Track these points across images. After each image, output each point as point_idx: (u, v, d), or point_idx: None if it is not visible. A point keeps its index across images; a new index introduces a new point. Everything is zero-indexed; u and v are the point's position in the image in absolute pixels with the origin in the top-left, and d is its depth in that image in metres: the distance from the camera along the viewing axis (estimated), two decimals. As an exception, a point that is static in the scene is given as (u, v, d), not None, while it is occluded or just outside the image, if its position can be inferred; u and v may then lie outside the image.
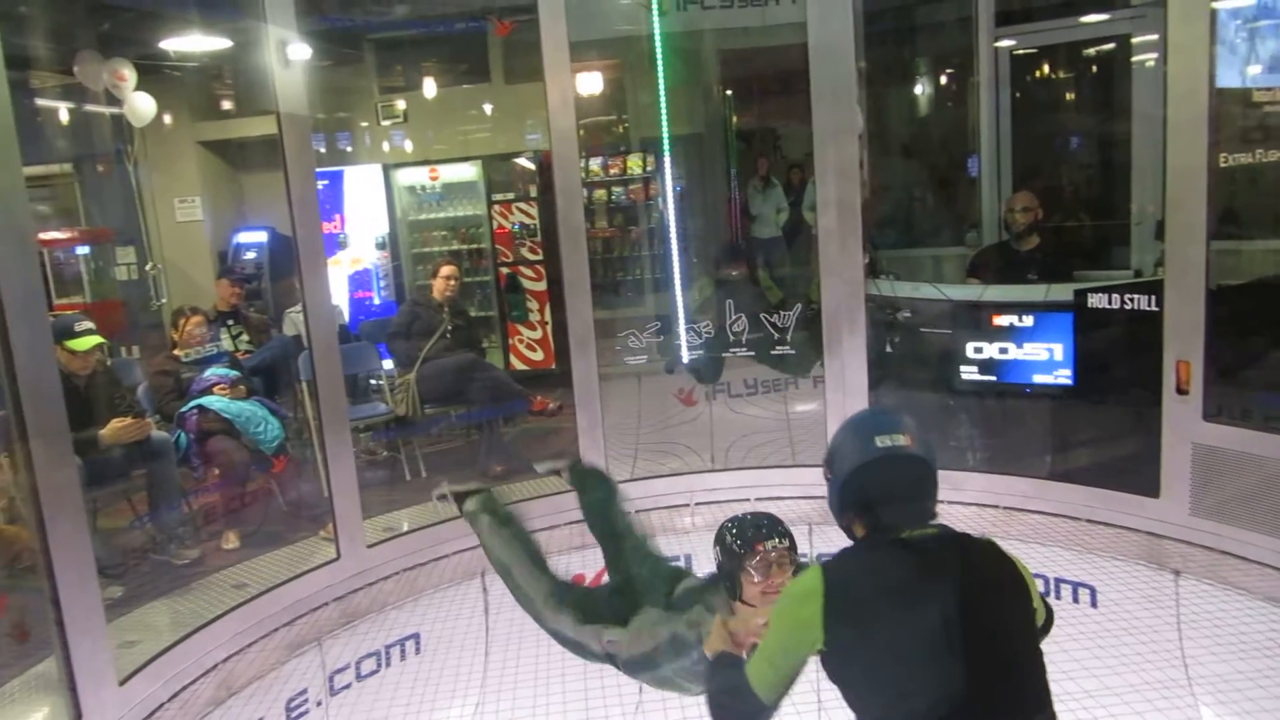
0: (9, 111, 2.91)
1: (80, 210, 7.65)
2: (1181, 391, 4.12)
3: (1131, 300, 4.41)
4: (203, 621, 3.77)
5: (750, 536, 2.51)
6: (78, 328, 4.30)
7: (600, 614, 2.99)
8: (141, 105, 6.66)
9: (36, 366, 3.00)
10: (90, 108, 7.05)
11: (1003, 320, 4.90)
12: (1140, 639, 3.87)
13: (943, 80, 7.94)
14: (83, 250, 7.56)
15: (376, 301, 8.32)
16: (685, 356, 5.48)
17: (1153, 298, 4.27)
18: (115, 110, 6.81)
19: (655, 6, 5.18)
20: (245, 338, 5.94)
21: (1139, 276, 5.41)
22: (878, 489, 2.00)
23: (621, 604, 3.01)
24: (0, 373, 2.94)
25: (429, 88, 8.30)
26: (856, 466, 2.01)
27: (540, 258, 7.96)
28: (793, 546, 2.54)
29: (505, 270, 8.12)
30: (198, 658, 3.64)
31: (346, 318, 7.85)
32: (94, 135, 7.35)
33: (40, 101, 7.00)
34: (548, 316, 8.00)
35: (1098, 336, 4.65)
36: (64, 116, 7.22)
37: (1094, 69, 6.80)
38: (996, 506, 4.72)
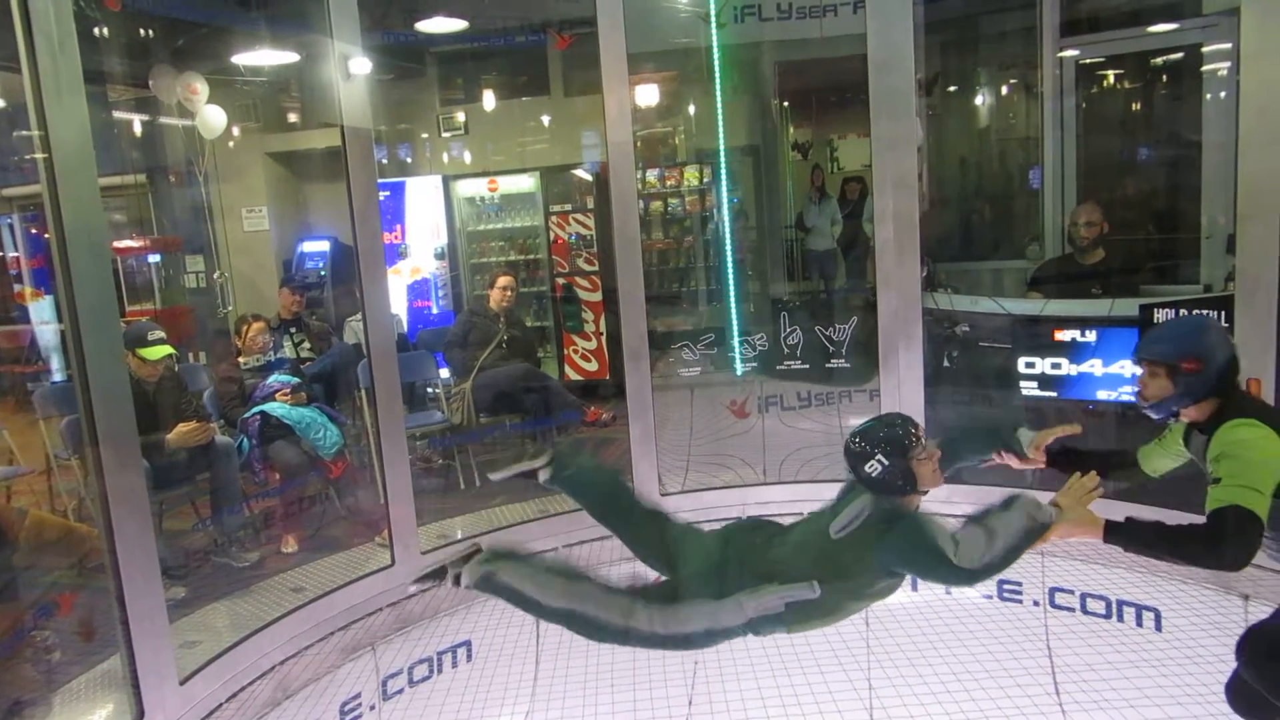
0: (87, 127, 3.01)
1: (152, 219, 7.88)
2: (1252, 410, 4.03)
3: (1201, 316, 4.30)
4: (261, 624, 3.84)
5: (911, 429, 2.79)
6: (150, 336, 4.42)
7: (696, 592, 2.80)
8: (212, 118, 6.86)
9: (108, 373, 3.08)
10: (163, 120, 7.26)
11: (1065, 335, 4.81)
12: (1205, 668, 3.74)
13: (1005, 91, 7.82)
14: (154, 258, 7.79)
15: (434, 311, 8.43)
16: (740, 369, 5.48)
17: (1222, 314, 4.15)
18: (187, 123, 7.01)
19: (713, 19, 5.20)
20: (307, 345, 6.05)
21: (1209, 292, 5.25)
22: (1235, 372, 2.77)
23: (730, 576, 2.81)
24: (75, 378, 3.03)
25: (489, 100, 8.41)
26: (1231, 357, 2.74)
27: (596, 268, 8.00)
28: None
29: (561, 281, 8.18)
30: (256, 659, 3.71)
31: (405, 327, 7.97)
32: (166, 147, 7.57)
33: (116, 114, 7.22)
34: (603, 327, 8.04)
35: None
36: (138, 128, 7.43)
37: (1163, 78, 6.64)
38: (1056, 525, 4.60)
